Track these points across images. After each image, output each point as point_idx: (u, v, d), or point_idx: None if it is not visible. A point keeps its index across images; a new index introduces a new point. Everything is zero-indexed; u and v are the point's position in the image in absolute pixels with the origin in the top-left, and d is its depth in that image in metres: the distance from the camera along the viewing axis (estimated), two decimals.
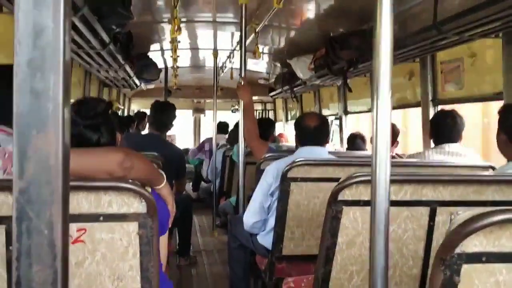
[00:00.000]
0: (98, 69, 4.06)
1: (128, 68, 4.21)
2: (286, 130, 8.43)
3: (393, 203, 1.60)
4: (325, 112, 6.35)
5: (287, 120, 8.57)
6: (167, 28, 4.44)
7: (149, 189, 1.54)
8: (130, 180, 1.41)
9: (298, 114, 7.66)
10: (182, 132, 10.39)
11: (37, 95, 0.47)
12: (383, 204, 1.36)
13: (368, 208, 1.79)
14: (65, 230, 0.48)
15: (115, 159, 1.39)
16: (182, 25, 3.83)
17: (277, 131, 8.55)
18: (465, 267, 1.03)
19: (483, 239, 1.03)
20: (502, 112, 2.00)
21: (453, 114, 2.90)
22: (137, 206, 1.43)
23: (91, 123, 1.58)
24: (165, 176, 1.67)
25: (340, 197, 1.77)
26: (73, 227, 1.40)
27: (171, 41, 4.73)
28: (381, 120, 1.34)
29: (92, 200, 1.41)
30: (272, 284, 2.72)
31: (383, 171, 1.34)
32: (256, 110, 9.30)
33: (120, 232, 1.44)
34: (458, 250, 1.02)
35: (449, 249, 1.02)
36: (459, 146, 2.87)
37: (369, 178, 1.71)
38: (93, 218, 1.41)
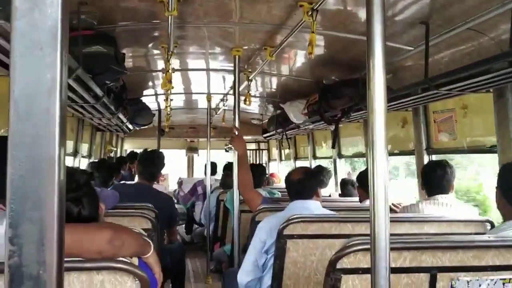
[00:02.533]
0: (91, 118, 4.05)
1: (121, 116, 4.20)
2: (280, 170, 8.41)
3: (393, 270, 1.57)
4: (319, 153, 6.36)
5: (281, 160, 8.56)
6: (161, 74, 4.46)
7: (136, 260, 1.50)
8: (123, 259, 1.38)
9: (292, 154, 7.67)
10: (175, 171, 10.34)
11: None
12: (384, 272, 1.34)
13: (367, 276, 1.77)
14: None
15: (105, 238, 1.35)
16: (176, 73, 3.87)
17: (271, 170, 8.55)
18: None
19: None
20: (500, 172, 2.00)
21: (442, 164, 2.90)
22: (131, 285, 1.39)
23: (72, 196, 1.54)
24: (152, 245, 1.64)
25: (338, 266, 1.73)
26: None
27: (164, 90, 4.76)
28: (378, 181, 1.31)
29: (84, 281, 1.36)
30: None
31: (383, 239, 1.32)
32: (250, 150, 9.31)
33: None
34: None
35: None
36: (452, 197, 2.86)
37: (367, 246, 1.69)
38: None
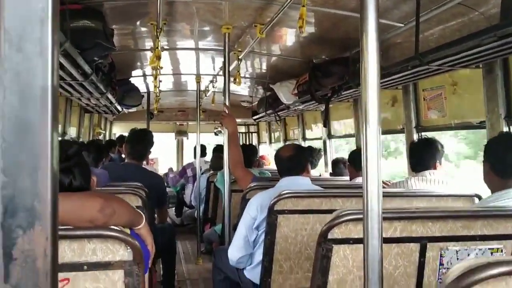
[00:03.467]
0: (79, 97, 4.00)
1: (110, 96, 4.15)
2: (270, 153, 8.41)
3: (384, 240, 1.58)
4: (309, 135, 6.37)
5: (270, 142, 8.56)
6: (149, 54, 4.42)
7: (128, 231, 1.49)
8: (114, 227, 1.37)
9: (282, 136, 7.67)
10: (164, 155, 10.30)
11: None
12: (376, 242, 1.35)
13: (358, 246, 1.78)
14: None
15: (96, 206, 1.35)
16: (164, 52, 3.83)
17: (260, 153, 8.55)
18: None
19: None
20: (487, 146, 2.02)
21: (430, 142, 2.93)
22: (123, 253, 1.39)
23: (62, 167, 1.53)
24: (144, 216, 1.64)
25: (329, 236, 1.74)
26: None
27: (153, 68, 4.71)
28: (371, 155, 1.32)
29: (75, 249, 1.36)
30: None
31: (376, 209, 1.33)
32: (240, 133, 9.29)
33: (105, 281, 1.39)
34: None
35: None
36: (441, 173, 2.88)
37: (358, 216, 1.71)
38: (77, 267, 1.36)
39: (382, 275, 1.36)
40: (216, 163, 5.64)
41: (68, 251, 1.35)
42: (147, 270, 1.75)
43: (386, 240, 1.77)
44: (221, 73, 4.98)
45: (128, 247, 1.38)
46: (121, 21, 3.36)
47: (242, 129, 9.88)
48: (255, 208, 2.59)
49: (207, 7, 3.13)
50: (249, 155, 4.32)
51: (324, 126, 4.56)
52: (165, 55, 4.44)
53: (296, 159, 2.70)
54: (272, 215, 2.45)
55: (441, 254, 1.84)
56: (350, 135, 4.92)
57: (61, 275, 1.35)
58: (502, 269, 0.98)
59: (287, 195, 2.44)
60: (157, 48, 3.00)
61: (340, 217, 1.72)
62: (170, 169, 8.29)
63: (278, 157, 2.79)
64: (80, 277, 1.37)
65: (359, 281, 1.80)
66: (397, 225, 1.78)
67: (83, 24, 2.46)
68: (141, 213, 1.64)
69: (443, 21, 2.67)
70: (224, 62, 3.49)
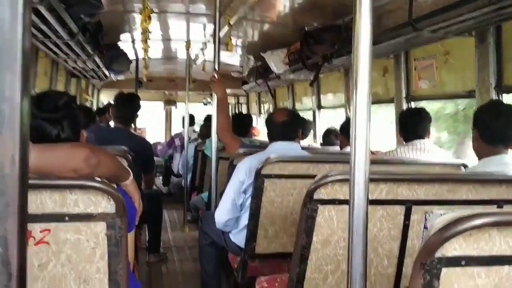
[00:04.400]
0: (65, 60, 3.91)
1: (97, 59, 4.07)
2: (259, 124, 8.39)
3: (369, 202, 1.58)
4: (298, 106, 6.34)
5: (260, 113, 8.53)
6: (138, 17, 4.31)
7: (115, 186, 1.47)
8: (97, 178, 1.34)
9: (272, 108, 7.63)
10: (152, 125, 10.23)
11: None
12: (362, 203, 1.34)
13: (343, 207, 1.78)
14: (21, 247, 0.42)
15: (81, 156, 1.32)
16: (153, 15, 3.74)
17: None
18: (444, 271, 1.01)
19: (463, 242, 1.01)
20: (476, 114, 2.03)
21: (419, 111, 2.94)
22: (105, 205, 1.36)
23: (51, 117, 1.50)
24: (131, 172, 1.61)
25: (315, 196, 1.74)
26: (36, 227, 1.32)
27: (142, 32, 4.61)
28: (360, 117, 1.30)
29: (56, 199, 1.33)
30: (244, 283, 2.68)
31: (362, 170, 1.32)
32: (229, 104, 9.22)
33: (87, 233, 1.37)
34: (438, 254, 1.00)
35: (428, 253, 1.00)
36: (429, 142, 2.89)
37: (345, 177, 1.70)
38: (58, 218, 1.33)
39: (366, 236, 1.35)
40: (205, 131, 5.61)
41: (49, 202, 1.32)
42: (133, 227, 1.74)
43: (372, 202, 1.76)
44: (211, 40, 4.90)
45: (111, 199, 1.35)
46: None
47: (231, 100, 9.81)
48: (244, 172, 2.58)
49: None
50: (246, 123, 4.28)
51: (311, 85, 4.46)
52: (154, 20, 4.34)
53: (290, 125, 2.65)
54: (259, 179, 2.44)
55: (425, 218, 1.84)
56: (340, 106, 4.90)
57: (41, 226, 1.33)
58: (486, 219, 0.97)
59: (274, 160, 2.42)
60: (147, 7, 2.93)
61: (327, 177, 1.71)
62: (158, 142, 8.25)
63: (271, 121, 2.71)
64: (61, 228, 1.35)
65: (343, 242, 1.81)
66: (383, 187, 1.78)
67: None
68: (129, 169, 1.62)
69: None
70: (214, 27, 3.42)
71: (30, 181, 1.25)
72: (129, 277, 1.49)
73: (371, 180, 1.67)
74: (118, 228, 1.38)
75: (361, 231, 1.33)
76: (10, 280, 0.42)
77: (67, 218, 1.34)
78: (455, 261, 1.01)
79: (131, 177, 1.61)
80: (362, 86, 1.28)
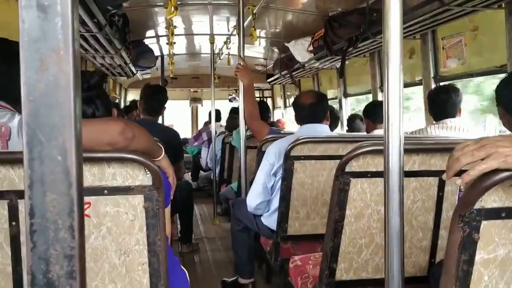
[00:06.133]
0: (94, 55, 4.00)
1: (124, 54, 4.14)
2: (284, 117, 8.39)
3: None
4: None
5: (285, 106, 8.53)
6: (162, 12, 4.38)
7: None
8: (134, 152, 1.38)
9: None
10: (179, 122, 10.34)
11: (45, 10, 0.43)
12: (396, 174, 1.34)
13: (376, 180, 1.78)
14: (78, 157, 0.45)
15: (116, 129, 1.35)
16: (177, 15, 3.79)
17: (276, 118, 8.54)
18: (484, 224, 1.00)
19: (503, 194, 1.00)
20: (498, 89, 1.97)
21: (447, 89, 2.88)
22: (142, 178, 1.40)
23: (85, 96, 1.54)
24: (163, 148, 1.64)
25: (347, 169, 1.74)
26: None
27: (166, 27, 4.67)
28: (393, 89, 1.31)
29: (95, 173, 1.37)
30: (277, 265, 2.70)
31: (396, 140, 1.32)
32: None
33: (125, 206, 1.40)
34: (477, 206, 0.99)
35: (467, 205, 0.99)
36: (461, 120, 2.84)
37: (378, 147, 1.69)
38: (98, 191, 1.37)
39: (402, 207, 1.35)
40: (231, 123, 5.65)
41: (88, 176, 1.36)
42: (169, 202, 1.76)
43: (405, 174, 1.76)
44: (235, 32, 4.93)
45: (148, 172, 1.38)
46: None
47: (256, 93, 9.83)
48: (274, 154, 2.59)
49: None
50: (262, 111, 4.29)
51: (340, 77, 4.48)
52: (178, 15, 4.40)
53: (318, 107, 2.65)
54: (289, 160, 2.45)
55: (460, 189, 1.82)
56: (366, 92, 4.86)
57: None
58: None
59: (303, 141, 2.43)
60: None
61: (359, 148, 1.71)
62: (185, 139, 8.33)
63: (299, 104, 2.70)
64: (101, 201, 1.38)
65: (377, 215, 1.80)
66: (415, 158, 1.76)
67: None
68: (160, 145, 1.65)
69: None
70: (238, 16, 3.45)
71: None
72: (168, 250, 1.52)
73: (405, 150, 1.67)
74: (155, 201, 1.41)
75: (397, 202, 1.33)
76: (70, 188, 0.44)
77: (106, 191, 1.38)
78: (495, 213, 1.00)
79: (163, 152, 1.63)
80: (394, 58, 1.30)
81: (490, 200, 0.99)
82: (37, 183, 0.43)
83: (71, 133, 0.44)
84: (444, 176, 1.01)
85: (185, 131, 10.08)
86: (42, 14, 0.43)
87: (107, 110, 1.60)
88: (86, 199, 1.37)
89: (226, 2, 4.20)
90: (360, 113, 4.32)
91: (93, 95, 1.56)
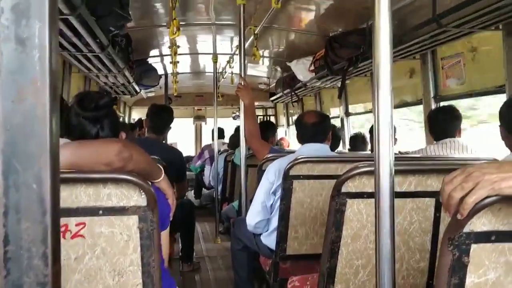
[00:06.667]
0: (97, 74, 4.05)
1: (127, 73, 4.19)
2: (287, 135, 8.40)
3: (398, 195, 1.57)
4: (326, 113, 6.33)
5: (288, 124, 8.55)
6: (165, 32, 4.44)
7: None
8: (129, 173, 1.39)
9: None
10: (183, 140, 10.38)
11: (23, 43, 0.45)
12: (387, 195, 1.33)
13: (372, 200, 1.77)
14: (54, 185, 0.46)
15: (113, 150, 1.36)
16: (180, 29, 3.84)
17: (279, 136, 8.55)
18: (474, 247, 1.00)
19: (492, 217, 1.00)
20: (502, 110, 1.99)
21: (446, 109, 2.90)
22: (137, 199, 1.40)
23: (91, 115, 1.56)
24: (163, 170, 1.65)
25: (343, 189, 1.74)
26: (72, 221, 1.37)
27: (170, 46, 4.73)
28: (383, 110, 1.32)
29: (91, 193, 1.38)
30: (276, 285, 2.68)
31: (386, 161, 1.32)
32: (257, 116, 9.29)
33: (120, 226, 1.41)
34: (466, 229, 0.99)
35: (457, 228, 0.99)
36: (461, 140, 2.84)
37: (371, 168, 1.69)
38: (92, 211, 1.38)
39: (393, 229, 1.34)
40: (235, 141, 5.67)
41: (84, 196, 1.37)
42: (168, 225, 1.76)
43: (401, 195, 1.76)
44: (237, 52, 4.98)
45: (143, 193, 1.39)
46: None
47: (259, 111, 9.89)
48: (273, 173, 2.60)
49: None
50: (266, 130, 4.31)
51: (339, 97, 4.50)
52: (181, 34, 4.46)
53: (320, 126, 2.66)
54: (287, 180, 2.45)
55: None
56: (367, 112, 4.87)
57: (77, 219, 1.38)
58: None
59: (302, 160, 2.43)
60: (175, 19, 3.02)
61: (353, 169, 1.71)
62: (188, 156, 8.36)
63: (301, 123, 2.71)
64: (96, 221, 1.39)
65: (373, 236, 1.79)
66: (411, 179, 1.76)
67: None
68: (161, 167, 1.65)
69: None
70: (240, 36, 3.49)
71: (65, 176, 1.31)
72: (163, 272, 1.52)
73: (398, 172, 1.67)
74: (150, 221, 1.41)
75: (388, 223, 1.32)
76: (45, 215, 0.45)
77: (101, 212, 1.38)
78: (484, 237, 1.00)
79: (163, 174, 1.64)
80: (384, 77, 1.29)
81: (480, 223, 0.99)
82: (12, 211, 0.44)
83: (47, 162, 0.45)
84: (446, 215, 1.02)
85: (188, 149, 10.11)
86: (20, 47, 0.44)
87: (112, 131, 1.62)
88: (81, 219, 1.38)
89: (229, 22, 4.26)
90: (364, 132, 4.33)
91: (100, 116, 1.58)
